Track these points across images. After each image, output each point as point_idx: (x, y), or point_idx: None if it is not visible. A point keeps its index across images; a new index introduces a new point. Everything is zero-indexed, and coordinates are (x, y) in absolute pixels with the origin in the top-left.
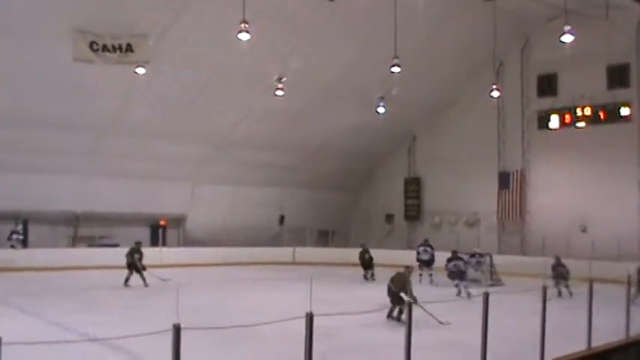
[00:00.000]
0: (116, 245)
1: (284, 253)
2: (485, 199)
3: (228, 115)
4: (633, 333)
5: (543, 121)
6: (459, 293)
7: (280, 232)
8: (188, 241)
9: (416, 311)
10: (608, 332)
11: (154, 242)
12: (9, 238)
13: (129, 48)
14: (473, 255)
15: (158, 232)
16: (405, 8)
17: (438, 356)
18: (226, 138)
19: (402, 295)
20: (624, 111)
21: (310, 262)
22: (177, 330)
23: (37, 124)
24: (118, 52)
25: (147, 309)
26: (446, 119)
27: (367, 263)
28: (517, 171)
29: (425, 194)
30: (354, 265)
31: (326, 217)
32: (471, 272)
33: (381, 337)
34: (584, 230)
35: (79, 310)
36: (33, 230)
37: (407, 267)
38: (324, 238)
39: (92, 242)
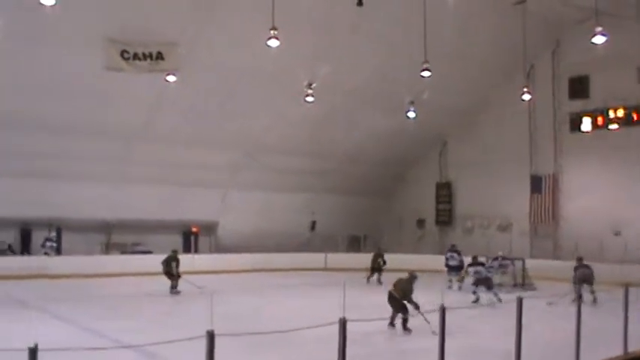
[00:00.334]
0: (149, 252)
1: (316, 258)
2: (517, 203)
3: (258, 122)
4: None
5: (575, 124)
6: (476, 300)
7: (312, 238)
8: (220, 248)
9: (415, 318)
10: None
11: (186, 249)
12: (43, 246)
13: (159, 56)
14: (495, 258)
15: (190, 238)
16: (434, 12)
17: None
18: (256, 144)
19: (406, 302)
20: None
21: (342, 268)
22: (211, 336)
23: (68, 132)
24: (148, 60)
25: (179, 316)
26: (477, 123)
27: (378, 267)
28: (549, 174)
29: (456, 199)
30: (387, 270)
31: (357, 222)
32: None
33: (412, 343)
34: (617, 233)
35: (113, 317)
36: (66, 238)
37: (411, 273)
38: (356, 244)
39: (125, 249)
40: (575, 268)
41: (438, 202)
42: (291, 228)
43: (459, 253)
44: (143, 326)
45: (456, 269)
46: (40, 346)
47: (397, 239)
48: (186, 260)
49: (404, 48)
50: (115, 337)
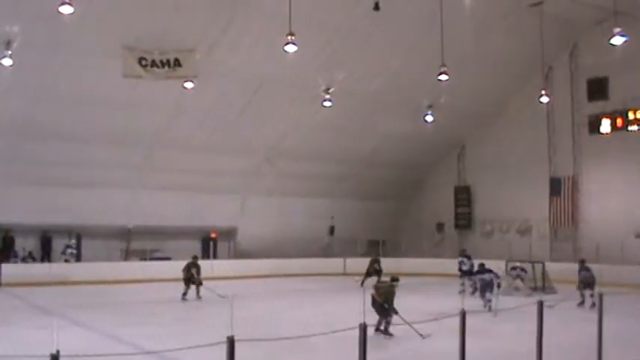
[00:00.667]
0: (168, 259)
1: (335, 263)
2: (536, 206)
3: (276, 127)
4: None
5: (594, 126)
6: (485, 305)
7: (330, 243)
8: (239, 254)
9: (397, 324)
10: None
11: (205, 255)
12: (63, 252)
13: (177, 63)
14: (514, 268)
15: (209, 244)
16: (451, 15)
17: None
18: (275, 149)
19: (387, 306)
20: None
21: (361, 273)
22: (231, 342)
23: (88, 139)
24: (166, 67)
25: (199, 321)
26: (495, 126)
27: (373, 271)
28: (569, 177)
29: (475, 202)
30: (407, 274)
31: (376, 227)
32: (509, 281)
33: (431, 347)
34: (638, 235)
35: (133, 323)
36: (86, 244)
37: (393, 277)
38: (375, 248)
39: (144, 256)
40: (578, 272)
41: (456, 206)
42: (310, 233)
43: (469, 258)
44: (163, 332)
45: (467, 274)
46: (61, 353)
47: (416, 243)
48: (205, 266)
49: (421, 52)
50: (136, 343)
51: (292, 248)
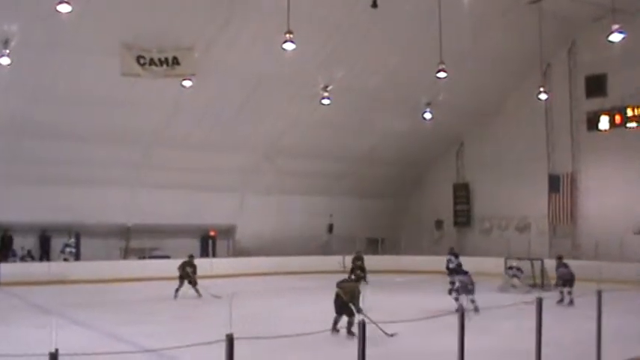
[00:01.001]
0: (167, 257)
1: (333, 261)
2: (535, 203)
3: (274, 125)
4: None
5: (593, 123)
6: (460, 308)
7: (329, 241)
8: (238, 252)
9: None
10: None
11: (204, 253)
12: (62, 251)
13: (175, 61)
14: (510, 268)
15: (208, 242)
16: (449, 12)
17: None
18: (273, 147)
19: (351, 305)
20: None
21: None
22: (230, 340)
23: (86, 138)
24: (164, 65)
25: (198, 320)
26: (493, 123)
27: (357, 267)
28: (567, 174)
29: (474, 199)
30: (406, 272)
31: (375, 224)
32: (506, 279)
33: (432, 344)
34: (637, 232)
35: (132, 322)
36: (85, 243)
37: (358, 276)
38: (374, 246)
39: (143, 254)
40: (556, 268)
41: (455, 203)
42: (309, 231)
43: (456, 256)
44: (162, 330)
45: (455, 272)
46: (60, 352)
47: (415, 241)
48: (204, 264)
49: (419, 49)
50: (135, 342)
51: (291, 246)
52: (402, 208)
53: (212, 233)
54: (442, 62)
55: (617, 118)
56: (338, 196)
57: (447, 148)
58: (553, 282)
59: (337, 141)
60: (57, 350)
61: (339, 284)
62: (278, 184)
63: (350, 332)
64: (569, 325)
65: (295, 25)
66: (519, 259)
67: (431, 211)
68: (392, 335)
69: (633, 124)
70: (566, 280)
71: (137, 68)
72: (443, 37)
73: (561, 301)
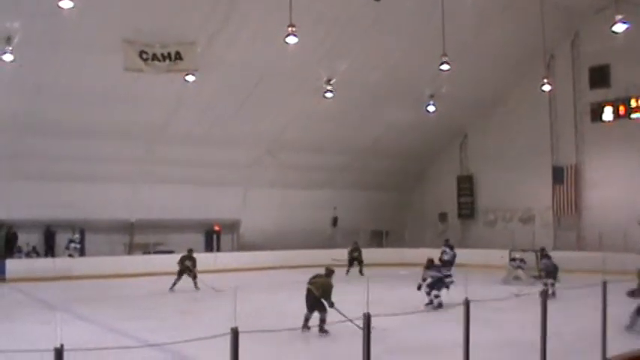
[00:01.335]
0: (171, 252)
1: (338, 254)
2: (539, 195)
3: (277, 119)
4: None
5: (596, 114)
6: (430, 303)
7: (334, 234)
8: (242, 246)
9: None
10: None
11: (209, 248)
12: (67, 247)
13: (178, 56)
14: (513, 259)
15: (212, 237)
16: (452, 4)
17: (497, 355)
18: (276, 141)
19: (324, 300)
20: None
21: (365, 264)
22: (235, 334)
23: (90, 134)
24: (167, 60)
25: (202, 314)
26: (497, 115)
27: (354, 258)
28: (571, 165)
29: (478, 192)
30: (410, 264)
31: (379, 217)
32: (510, 271)
33: (437, 336)
34: None
35: (136, 317)
36: (89, 239)
37: (328, 268)
38: (378, 239)
39: (147, 249)
40: (539, 260)
41: (459, 196)
42: (313, 224)
43: (451, 248)
44: (167, 325)
45: (448, 264)
46: (65, 347)
47: (419, 233)
48: (208, 259)
49: (422, 42)
50: (139, 337)
51: (295, 240)
52: (406, 201)
53: (216, 228)
54: (445, 54)
55: (621, 109)
56: (342, 190)
57: (451, 141)
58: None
59: (340, 134)
60: (62, 345)
61: (311, 280)
62: (281, 177)
63: (322, 330)
64: (571, 316)
65: (297, 19)
66: (523, 250)
67: (435, 204)
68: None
69: (637, 115)
70: (549, 271)
71: (140, 63)
72: (446, 28)
73: (546, 292)
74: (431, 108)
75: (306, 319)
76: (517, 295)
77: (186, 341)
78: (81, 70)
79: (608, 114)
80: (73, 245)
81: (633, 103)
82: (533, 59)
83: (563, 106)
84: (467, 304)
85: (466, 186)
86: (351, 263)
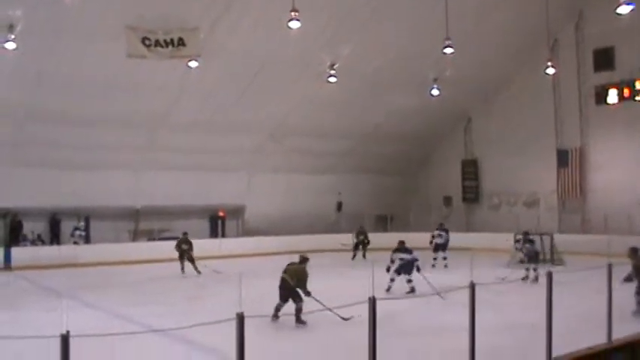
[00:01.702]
0: (176, 238)
1: (343, 239)
2: (544, 178)
3: (280, 104)
4: None
5: (601, 97)
6: (388, 289)
7: (338, 219)
8: (247, 232)
9: (309, 303)
10: None
11: (214, 234)
12: (72, 235)
13: (181, 42)
14: (517, 241)
15: (217, 223)
16: None
17: (503, 337)
18: (280, 127)
19: (299, 290)
20: None
21: (370, 248)
22: (240, 319)
23: (93, 122)
24: (170, 46)
25: (208, 299)
26: (501, 99)
27: (360, 242)
28: (576, 148)
29: (483, 175)
30: (415, 248)
31: (384, 202)
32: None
33: (439, 320)
34: None
35: (142, 303)
36: (94, 226)
37: (302, 256)
38: (383, 223)
39: (152, 236)
40: (522, 244)
41: (464, 180)
42: (318, 209)
43: (446, 232)
44: (172, 311)
45: (442, 247)
46: (71, 333)
47: (424, 218)
48: (213, 245)
49: (426, 25)
50: (145, 322)
51: (300, 225)
52: (411, 185)
53: (221, 214)
54: (448, 38)
55: (626, 92)
56: (346, 174)
57: (455, 124)
58: (565, 257)
59: (344, 119)
60: (68, 332)
61: (285, 268)
62: (285, 163)
63: (299, 320)
64: (576, 299)
65: (300, 4)
66: (517, 241)
67: (439, 188)
68: (348, 319)
69: None
70: (531, 256)
71: (143, 49)
72: (449, 11)
73: (526, 278)
74: (435, 92)
75: (277, 309)
76: (503, 279)
77: (191, 326)
78: (83, 57)
79: (612, 96)
80: (78, 233)
81: (638, 86)
82: (537, 42)
83: (568, 89)
84: (472, 287)
85: (470, 170)
86: (357, 247)
